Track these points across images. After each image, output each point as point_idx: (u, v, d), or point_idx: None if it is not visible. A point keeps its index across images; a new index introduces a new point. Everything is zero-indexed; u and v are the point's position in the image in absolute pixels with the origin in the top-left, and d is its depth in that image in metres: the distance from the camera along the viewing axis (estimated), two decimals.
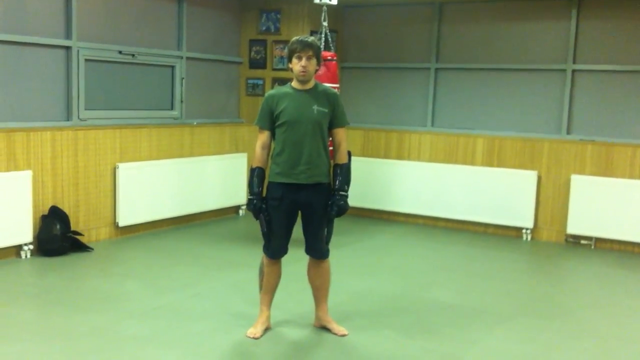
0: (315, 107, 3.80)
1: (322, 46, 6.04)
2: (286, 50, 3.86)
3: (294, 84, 3.86)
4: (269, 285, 4.00)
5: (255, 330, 3.94)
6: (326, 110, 3.84)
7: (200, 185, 7.02)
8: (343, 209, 3.85)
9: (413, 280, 5.30)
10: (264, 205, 3.83)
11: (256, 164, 3.88)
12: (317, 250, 3.96)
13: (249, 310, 4.32)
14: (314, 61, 3.79)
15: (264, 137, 3.88)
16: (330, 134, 3.94)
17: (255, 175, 3.85)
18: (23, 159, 5.45)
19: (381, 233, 6.97)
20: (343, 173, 3.89)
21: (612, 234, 6.46)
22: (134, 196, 6.29)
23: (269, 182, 3.89)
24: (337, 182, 3.88)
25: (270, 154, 3.91)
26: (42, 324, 4.16)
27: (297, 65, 3.77)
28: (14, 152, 5.38)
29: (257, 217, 3.85)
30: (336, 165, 3.93)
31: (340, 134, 3.94)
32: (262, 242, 3.96)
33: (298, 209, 3.89)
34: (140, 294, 4.71)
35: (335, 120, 3.91)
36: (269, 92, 3.92)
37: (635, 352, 4.00)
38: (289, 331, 4.07)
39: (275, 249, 3.92)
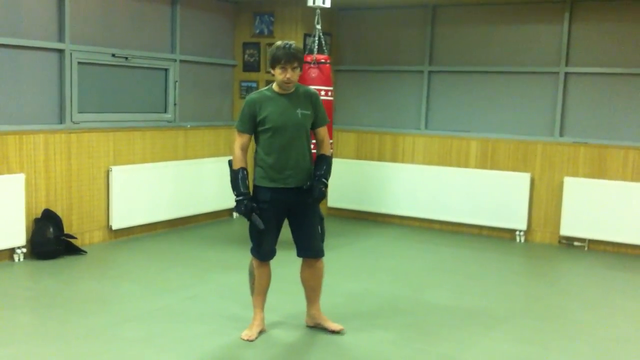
0: (299, 111, 3.82)
1: (315, 49, 6.05)
2: (269, 55, 3.82)
3: (276, 87, 3.85)
4: (260, 288, 3.99)
5: (251, 332, 3.94)
6: (309, 112, 3.87)
7: (194, 187, 7.01)
8: (323, 194, 3.86)
9: (409, 282, 5.30)
10: (254, 205, 3.80)
11: (238, 165, 3.84)
12: (314, 249, 3.95)
13: (245, 312, 4.31)
14: (298, 70, 3.79)
15: (244, 139, 3.85)
16: (313, 132, 3.97)
17: (241, 176, 3.82)
18: (16, 162, 5.42)
19: (376, 235, 6.97)
20: (328, 163, 3.93)
21: (605, 235, 6.49)
22: (127, 199, 6.27)
23: (256, 186, 3.87)
24: (322, 169, 3.87)
25: (254, 157, 3.90)
26: (37, 327, 4.14)
27: (281, 75, 3.75)
28: (7, 155, 5.36)
29: (249, 217, 3.80)
30: (322, 155, 3.95)
31: (323, 131, 3.99)
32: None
33: (286, 210, 3.89)
34: (136, 297, 4.70)
35: (317, 120, 3.93)
36: (250, 96, 3.88)
37: (629, 352, 4.02)
38: (284, 333, 4.07)
39: (266, 251, 3.91)
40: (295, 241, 3.97)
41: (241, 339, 3.91)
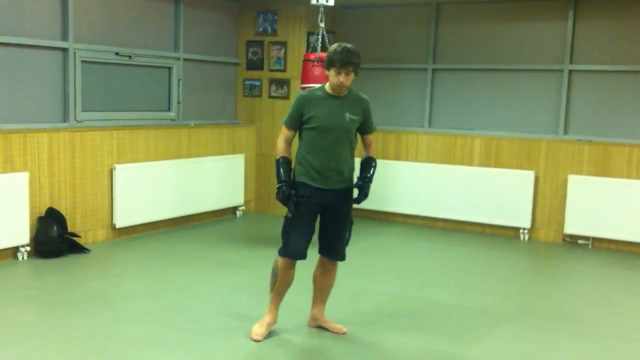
0: (347, 115, 3.77)
1: (319, 47, 6.05)
2: (326, 56, 3.77)
3: (328, 88, 3.80)
4: (281, 288, 3.92)
5: (261, 329, 3.88)
6: (357, 118, 3.83)
7: (197, 186, 7.01)
8: (366, 195, 3.89)
9: (412, 281, 5.30)
10: (293, 192, 3.76)
11: (280, 154, 3.83)
12: (337, 252, 3.94)
13: (248, 311, 4.32)
14: (352, 75, 3.72)
15: (288, 134, 3.84)
16: (360, 137, 3.96)
17: (281, 164, 3.80)
18: (20, 161, 5.43)
19: (379, 234, 6.96)
20: (374, 166, 3.95)
21: (609, 233, 6.47)
22: (131, 197, 6.27)
23: (297, 181, 3.83)
24: (370, 171, 3.91)
25: (296, 154, 3.87)
26: (40, 325, 4.14)
27: (334, 78, 3.70)
28: (11, 154, 5.37)
29: (286, 203, 3.75)
30: (370, 157, 3.96)
31: (370, 137, 3.98)
32: (273, 245, 3.89)
33: (321, 211, 3.85)
34: (139, 295, 4.70)
35: (365, 126, 3.90)
36: (301, 93, 3.87)
37: (633, 351, 4.01)
38: (286, 332, 4.05)
39: (295, 248, 3.80)
40: (321, 240, 3.94)
41: (250, 337, 3.86)
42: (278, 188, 3.78)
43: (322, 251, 3.96)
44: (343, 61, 3.66)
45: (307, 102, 3.78)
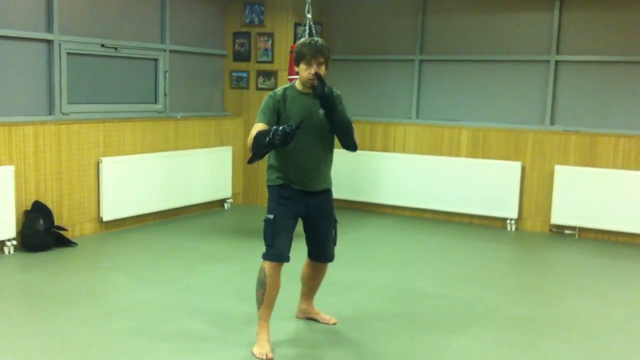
0: (321, 111, 3.59)
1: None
2: (294, 53, 3.62)
3: (299, 86, 3.66)
4: (270, 299, 3.65)
5: (264, 349, 3.60)
6: None
7: (185, 178, 6.98)
8: (327, 92, 3.49)
9: (400, 271, 5.32)
10: (283, 126, 3.35)
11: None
12: (327, 254, 3.86)
13: (238, 303, 4.31)
14: (323, 67, 3.56)
15: (261, 127, 3.51)
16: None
17: (260, 131, 3.44)
18: (5, 154, 5.38)
19: (368, 225, 6.98)
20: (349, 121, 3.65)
21: (595, 223, 6.51)
22: (118, 190, 6.24)
23: (274, 185, 3.68)
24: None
25: (268, 160, 3.71)
26: (29, 319, 4.12)
27: (305, 72, 3.54)
28: None
29: (292, 135, 3.33)
30: None
31: None
32: (261, 237, 3.69)
33: (303, 214, 3.72)
34: (127, 288, 4.69)
35: None
36: (273, 91, 3.67)
37: (619, 339, 4.05)
38: (274, 323, 4.03)
39: (282, 249, 3.61)
40: (309, 244, 3.86)
41: (256, 358, 3.59)
42: (271, 136, 3.33)
43: (311, 256, 3.89)
44: (313, 52, 3.53)
45: (281, 99, 3.61)
